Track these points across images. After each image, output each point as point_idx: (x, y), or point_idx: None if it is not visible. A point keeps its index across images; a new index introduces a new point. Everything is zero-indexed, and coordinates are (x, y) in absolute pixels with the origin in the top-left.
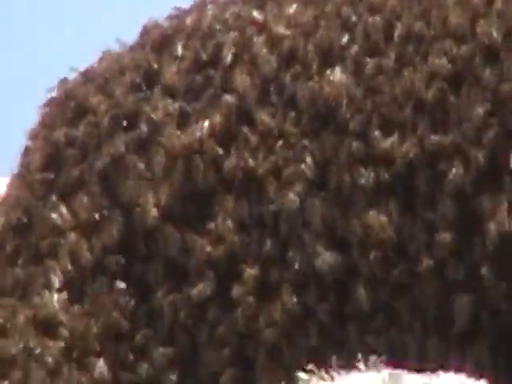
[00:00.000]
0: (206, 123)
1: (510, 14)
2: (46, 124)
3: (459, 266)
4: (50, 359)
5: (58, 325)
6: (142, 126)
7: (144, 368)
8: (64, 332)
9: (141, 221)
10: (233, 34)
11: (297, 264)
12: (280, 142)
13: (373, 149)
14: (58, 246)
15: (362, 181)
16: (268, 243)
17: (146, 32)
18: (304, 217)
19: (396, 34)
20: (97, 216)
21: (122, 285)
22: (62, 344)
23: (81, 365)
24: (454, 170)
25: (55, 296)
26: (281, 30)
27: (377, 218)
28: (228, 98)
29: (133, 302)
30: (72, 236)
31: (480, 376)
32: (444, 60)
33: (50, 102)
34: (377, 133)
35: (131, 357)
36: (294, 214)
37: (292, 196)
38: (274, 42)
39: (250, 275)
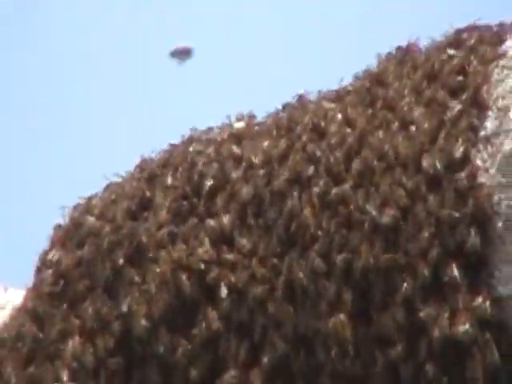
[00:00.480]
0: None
1: (450, 149)
2: (56, 247)
3: (408, 365)
4: None
5: None
6: (137, 246)
7: None
8: None
9: (135, 328)
10: (214, 166)
11: (268, 363)
12: (254, 261)
13: (334, 265)
14: (65, 350)
15: (325, 291)
16: (245, 347)
17: (140, 165)
18: (276, 322)
19: (353, 167)
20: (100, 323)
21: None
22: None
23: None
24: (404, 283)
25: None
26: (257, 160)
27: (337, 321)
28: (211, 222)
29: None
30: (77, 340)
31: None
32: (395, 188)
33: (59, 229)
34: (336, 253)
35: None
36: (267, 320)
37: (267, 306)
38: (251, 172)
39: (229, 376)
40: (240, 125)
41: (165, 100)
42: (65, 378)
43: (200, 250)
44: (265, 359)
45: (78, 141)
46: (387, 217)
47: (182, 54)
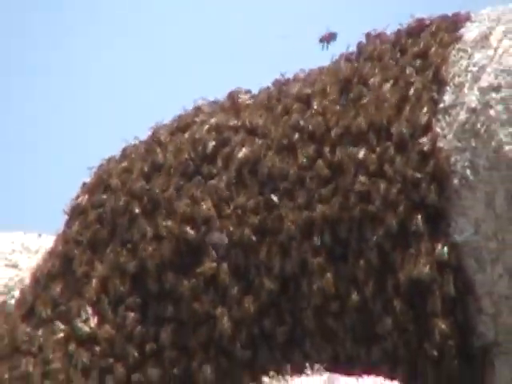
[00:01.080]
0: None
1: (414, 119)
2: (83, 200)
3: (378, 301)
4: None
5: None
6: (149, 200)
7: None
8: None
9: (149, 268)
10: (214, 135)
11: (259, 300)
12: (248, 213)
13: (315, 218)
14: (87, 284)
15: (310, 240)
16: (240, 285)
17: (155, 131)
18: (266, 264)
19: (332, 134)
20: (118, 266)
21: (135, 315)
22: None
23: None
24: (375, 232)
25: (90, 319)
26: (255, 121)
27: (320, 261)
28: (212, 182)
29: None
30: (98, 280)
31: (392, 378)
32: (367, 154)
33: (85, 185)
34: (316, 203)
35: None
36: (260, 262)
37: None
38: (249, 132)
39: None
40: (245, 97)
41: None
42: (89, 311)
43: (203, 205)
44: (256, 296)
45: (105, 106)
46: (362, 177)
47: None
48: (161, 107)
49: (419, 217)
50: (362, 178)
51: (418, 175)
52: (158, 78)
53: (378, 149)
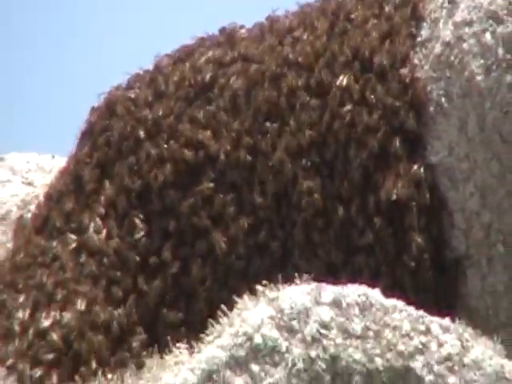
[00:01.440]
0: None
1: (394, 51)
2: (92, 124)
3: (360, 217)
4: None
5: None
6: (153, 124)
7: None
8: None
9: (152, 185)
10: (212, 67)
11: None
12: (243, 134)
13: (304, 140)
14: (96, 200)
15: (299, 163)
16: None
17: (158, 62)
18: (260, 180)
19: (320, 62)
20: (123, 183)
21: (140, 228)
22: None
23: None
24: (358, 154)
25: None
26: (250, 51)
27: (310, 184)
28: (211, 107)
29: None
30: (108, 193)
31: (373, 287)
32: (351, 82)
33: (95, 110)
34: (307, 128)
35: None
36: (253, 178)
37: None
38: (244, 60)
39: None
40: (242, 31)
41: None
42: (98, 222)
43: (202, 130)
44: (250, 212)
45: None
46: (347, 104)
47: None
48: (162, 39)
49: (398, 140)
50: (347, 105)
51: (397, 103)
52: (160, 13)
53: (360, 78)
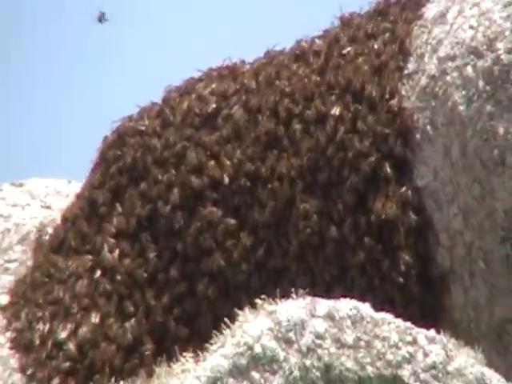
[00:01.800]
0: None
1: (384, 83)
2: (105, 153)
3: (352, 237)
4: None
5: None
6: (164, 147)
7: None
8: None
9: (160, 209)
10: (216, 98)
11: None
12: (249, 166)
13: (302, 164)
14: (110, 222)
15: (302, 187)
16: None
17: (166, 94)
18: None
19: (316, 93)
20: (132, 207)
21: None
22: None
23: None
24: (352, 178)
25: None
26: (251, 84)
27: (306, 206)
28: (215, 134)
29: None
30: (116, 220)
31: (364, 301)
32: (343, 111)
33: (107, 139)
34: (303, 154)
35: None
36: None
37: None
38: (246, 92)
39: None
40: (243, 66)
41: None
42: (111, 242)
43: (208, 159)
44: (251, 231)
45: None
46: (340, 131)
47: None
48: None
49: (387, 165)
50: (340, 133)
51: (387, 131)
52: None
53: (352, 108)
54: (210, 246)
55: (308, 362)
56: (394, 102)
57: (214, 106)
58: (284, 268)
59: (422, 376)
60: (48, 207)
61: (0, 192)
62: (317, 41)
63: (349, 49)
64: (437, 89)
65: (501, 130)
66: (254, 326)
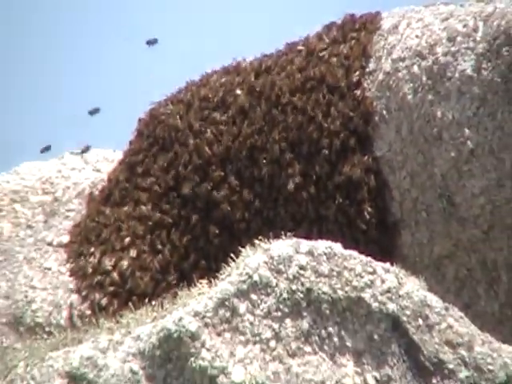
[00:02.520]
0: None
1: (350, 78)
2: (140, 131)
3: (326, 192)
4: None
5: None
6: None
7: None
8: None
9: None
10: (223, 89)
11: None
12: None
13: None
14: (145, 180)
15: (289, 156)
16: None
17: (188, 85)
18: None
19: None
20: (162, 174)
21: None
22: None
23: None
24: (324, 150)
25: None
26: (251, 77)
27: (291, 170)
28: (225, 115)
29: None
30: (150, 179)
31: (336, 241)
32: (321, 99)
33: (142, 120)
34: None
35: None
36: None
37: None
38: (249, 87)
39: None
40: (245, 63)
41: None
42: (144, 196)
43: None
44: (250, 188)
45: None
46: (318, 115)
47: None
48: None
49: (353, 140)
50: (319, 116)
51: (352, 114)
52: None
53: (327, 97)
54: (219, 200)
55: (294, 287)
56: (358, 92)
57: (222, 94)
58: (275, 216)
59: (380, 298)
60: (98, 170)
61: (62, 159)
62: (300, 46)
63: (324, 52)
64: (391, 82)
65: (439, 114)
66: (253, 260)
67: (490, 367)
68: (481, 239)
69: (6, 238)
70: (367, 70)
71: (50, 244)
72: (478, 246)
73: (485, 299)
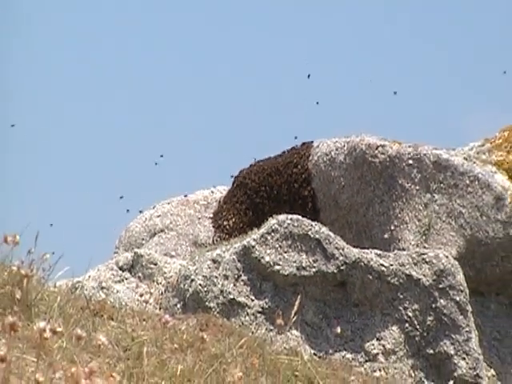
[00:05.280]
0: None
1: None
2: (234, 186)
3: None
4: None
5: None
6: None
7: None
8: None
9: None
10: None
11: None
12: None
13: None
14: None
15: None
16: None
17: (249, 170)
18: None
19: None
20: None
21: None
22: None
23: None
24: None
25: None
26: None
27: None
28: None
29: None
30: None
31: None
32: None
33: (235, 178)
34: None
35: None
36: None
37: None
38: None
39: None
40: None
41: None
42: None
43: None
44: None
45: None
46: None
47: None
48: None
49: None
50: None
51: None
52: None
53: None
54: None
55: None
56: (305, 175)
57: (259, 178)
58: None
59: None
60: (215, 199)
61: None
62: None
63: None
64: (324, 166)
65: None
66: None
67: None
68: None
69: None
70: (310, 165)
71: None
72: None
73: None
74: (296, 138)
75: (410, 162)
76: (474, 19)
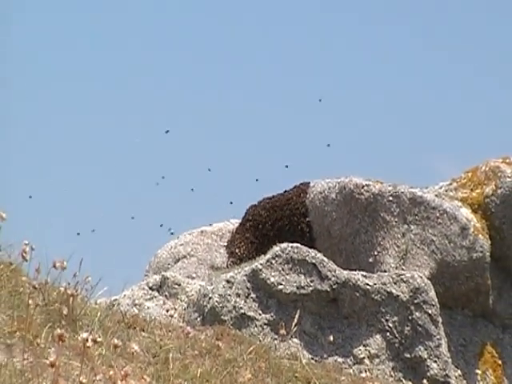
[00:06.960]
0: None
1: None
2: (245, 218)
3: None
4: None
5: None
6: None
7: None
8: None
9: None
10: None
11: None
12: None
13: None
14: (244, 238)
15: None
16: None
17: (255, 207)
18: None
19: None
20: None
21: None
22: None
23: None
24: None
25: None
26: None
27: None
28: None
29: None
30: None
31: None
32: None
33: (247, 211)
34: None
35: None
36: None
37: None
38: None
39: None
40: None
41: None
42: (243, 244)
43: None
44: None
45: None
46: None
47: None
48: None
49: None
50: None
51: (302, 220)
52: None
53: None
54: None
55: None
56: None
57: (267, 214)
58: None
59: None
60: (229, 229)
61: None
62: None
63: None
64: (318, 203)
65: None
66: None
67: None
68: None
69: None
70: (308, 203)
71: None
72: None
73: None
74: (287, 166)
75: (390, 198)
76: (442, 68)
